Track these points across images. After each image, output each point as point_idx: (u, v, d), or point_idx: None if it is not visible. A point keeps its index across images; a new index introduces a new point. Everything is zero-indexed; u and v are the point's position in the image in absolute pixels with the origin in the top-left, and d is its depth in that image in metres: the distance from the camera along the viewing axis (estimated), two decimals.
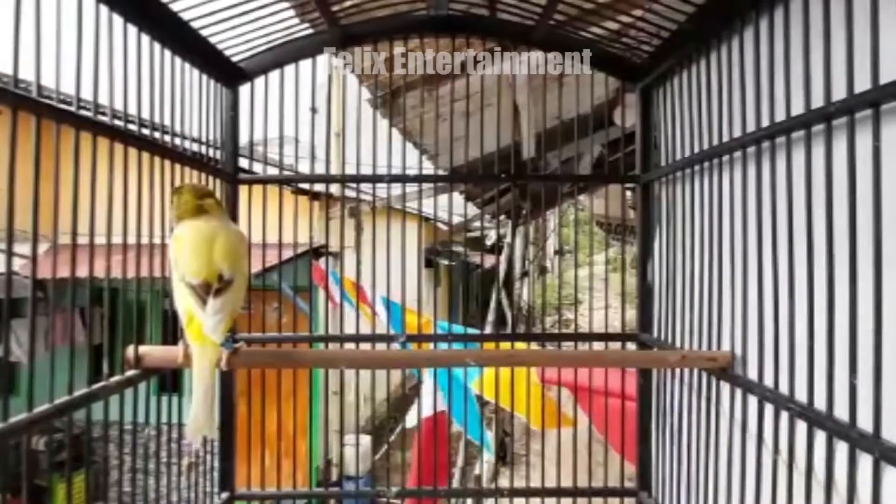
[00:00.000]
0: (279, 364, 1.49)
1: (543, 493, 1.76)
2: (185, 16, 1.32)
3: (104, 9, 1.09)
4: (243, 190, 1.71)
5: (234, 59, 1.61)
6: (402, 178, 1.84)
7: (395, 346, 1.78)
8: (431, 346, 1.90)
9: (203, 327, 1.06)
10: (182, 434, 1.46)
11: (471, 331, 2.76)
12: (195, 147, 1.48)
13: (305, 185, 4.01)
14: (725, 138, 1.27)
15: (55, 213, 0.95)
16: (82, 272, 1.05)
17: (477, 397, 3.01)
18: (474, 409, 3.24)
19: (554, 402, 2.49)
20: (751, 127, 1.16)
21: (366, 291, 3.21)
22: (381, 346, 1.77)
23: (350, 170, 1.91)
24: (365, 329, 1.80)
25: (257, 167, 3.72)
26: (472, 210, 5.65)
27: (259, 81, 1.68)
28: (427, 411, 3.06)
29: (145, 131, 1.25)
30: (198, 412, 1.04)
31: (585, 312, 1.90)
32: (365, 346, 1.77)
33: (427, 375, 3.07)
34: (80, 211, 1.02)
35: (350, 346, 1.80)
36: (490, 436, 3.99)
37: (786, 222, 1.04)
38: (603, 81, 1.78)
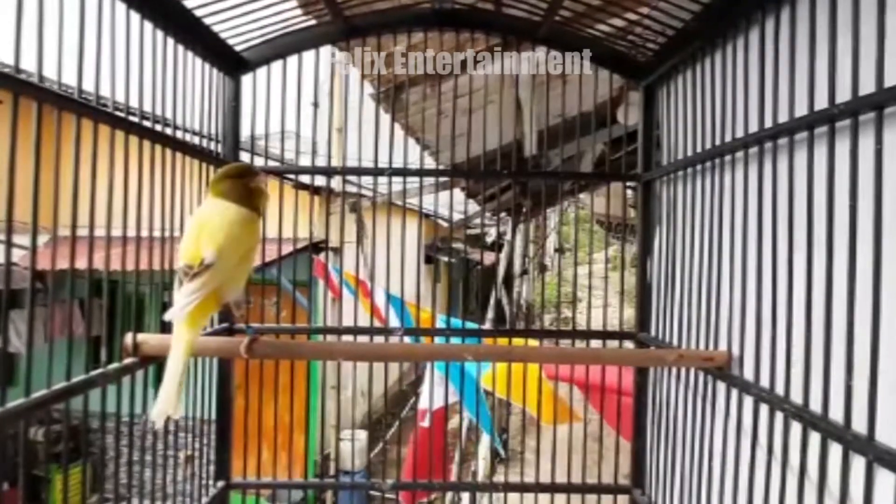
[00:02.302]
0: (276, 355, 1.49)
1: (538, 488, 1.76)
2: (189, 3, 1.32)
3: None
4: None
5: (237, 48, 1.60)
6: (403, 172, 1.84)
7: (394, 339, 1.79)
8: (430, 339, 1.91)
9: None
10: (179, 426, 1.46)
11: (469, 325, 2.76)
12: (197, 137, 1.47)
13: (306, 179, 4.01)
14: (728, 138, 1.27)
15: (55, 204, 0.95)
16: (81, 264, 1.05)
17: (485, 392, 3.03)
18: (483, 404, 3.26)
19: (563, 398, 2.50)
20: (753, 127, 1.16)
21: (368, 286, 3.21)
22: (379, 339, 1.77)
23: (351, 165, 1.90)
24: (363, 322, 1.81)
25: (258, 161, 3.71)
26: (473, 207, 5.64)
27: (261, 73, 1.67)
28: (426, 404, 3.08)
29: (147, 120, 1.25)
30: (164, 393, 1.03)
31: (584, 311, 1.90)
32: (363, 339, 1.77)
33: (436, 369, 3.08)
34: (81, 202, 1.02)
35: (348, 338, 1.80)
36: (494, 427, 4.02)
37: (786, 224, 1.04)
38: (606, 79, 1.78)
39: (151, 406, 1.35)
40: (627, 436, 1.76)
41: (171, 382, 1.04)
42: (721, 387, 1.26)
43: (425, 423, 3.04)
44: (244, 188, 1.19)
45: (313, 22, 1.64)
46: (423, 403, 3.17)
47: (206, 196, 1.21)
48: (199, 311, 1.08)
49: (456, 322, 2.74)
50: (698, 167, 1.42)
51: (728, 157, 1.28)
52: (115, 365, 1.16)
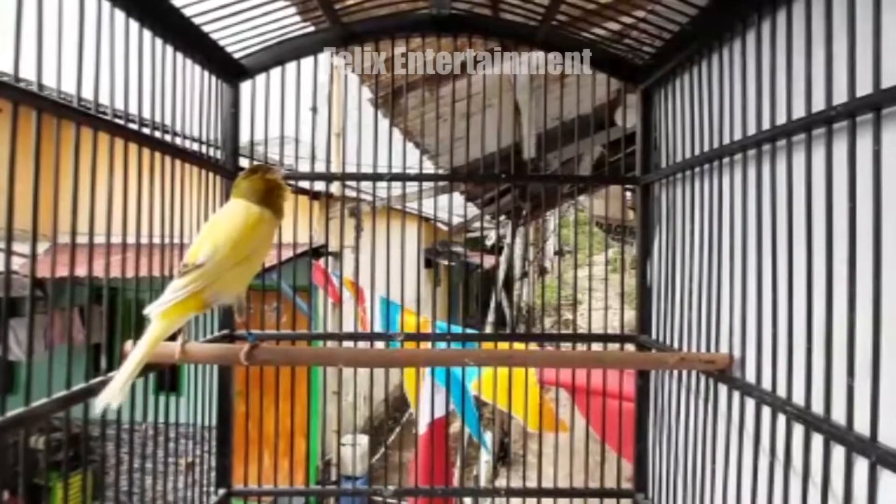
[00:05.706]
0: (277, 361, 1.49)
1: (540, 493, 1.76)
2: (188, 12, 1.32)
3: (106, 4, 1.09)
4: None
5: (236, 55, 1.61)
6: (403, 177, 1.84)
7: (394, 344, 1.78)
8: (430, 345, 1.90)
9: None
10: (180, 433, 1.46)
11: (470, 331, 2.75)
12: (196, 144, 1.48)
13: (305, 184, 4.02)
14: (726, 140, 1.27)
15: (55, 211, 0.95)
16: (81, 271, 1.05)
17: (475, 398, 3.02)
18: (472, 409, 3.24)
19: (551, 405, 2.49)
20: (751, 129, 1.16)
21: (364, 292, 3.21)
22: (379, 345, 1.77)
23: (350, 170, 1.91)
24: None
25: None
26: (473, 210, 5.65)
27: (260, 79, 1.68)
28: (432, 415, 3.06)
29: (146, 128, 1.25)
30: (113, 381, 0.99)
31: (585, 313, 1.90)
32: (363, 345, 1.77)
33: (426, 375, 3.08)
34: (80, 209, 1.02)
35: (349, 344, 1.80)
36: (489, 436, 4.00)
37: (785, 225, 1.04)
38: (604, 82, 1.78)
39: (154, 413, 1.35)
40: (628, 451, 1.75)
41: (124, 372, 0.99)
42: (723, 389, 1.26)
43: (422, 430, 3.03)
44: (262, 185, 1.17)
45: (311, 28, 1.64)
46: (423, 411, 3.14)
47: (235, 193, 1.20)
48: (179, 309, 1.05)
49: (456, 328, 2.73)
50: (697, 170, 1.42)
51: (726, 160, 1.28)
52: (115, 372, 1.15)
